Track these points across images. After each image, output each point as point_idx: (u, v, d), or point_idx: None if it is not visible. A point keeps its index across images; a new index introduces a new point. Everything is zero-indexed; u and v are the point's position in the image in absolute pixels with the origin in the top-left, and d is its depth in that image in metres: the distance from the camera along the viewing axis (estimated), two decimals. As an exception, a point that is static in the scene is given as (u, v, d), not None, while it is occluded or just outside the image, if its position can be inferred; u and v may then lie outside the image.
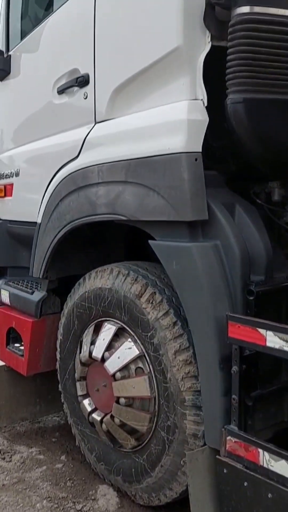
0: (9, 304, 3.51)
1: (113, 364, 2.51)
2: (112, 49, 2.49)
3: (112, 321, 2.56)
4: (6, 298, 3.52)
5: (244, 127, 2.10)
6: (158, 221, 2.28)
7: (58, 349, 3.00)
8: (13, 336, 3.50)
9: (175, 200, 2.16)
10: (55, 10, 2.94)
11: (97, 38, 2.55)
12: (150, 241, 2.33)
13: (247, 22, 2.01)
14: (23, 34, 3.28)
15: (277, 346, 1.87)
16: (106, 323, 2.59)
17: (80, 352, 2.77)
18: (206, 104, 2.15)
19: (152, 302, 2.33)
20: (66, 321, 2.88)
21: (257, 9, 2.03)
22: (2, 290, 3.59)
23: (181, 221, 2.19)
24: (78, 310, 2.76)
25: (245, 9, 2.02)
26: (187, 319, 2.20)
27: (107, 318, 2.59)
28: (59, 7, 2.87)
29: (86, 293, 2.69)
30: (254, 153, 2.18)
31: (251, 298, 2.10)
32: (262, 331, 1.92)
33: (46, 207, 2.97)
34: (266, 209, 2.36)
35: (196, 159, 2.14)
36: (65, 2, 2.80)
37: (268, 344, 1.90)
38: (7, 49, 3.36)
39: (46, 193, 2.98)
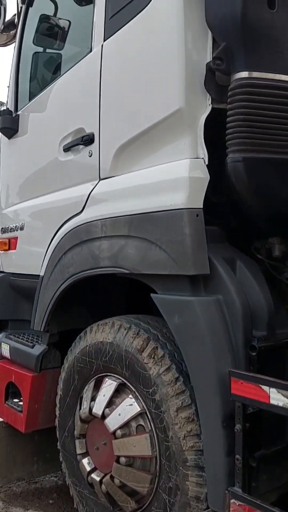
0: (9, 358, 3.48)
1: (113, 421, 2.45)
2: (116, 109, 2.60)
3: (113, 376, 2.53)
4: (6, 352, 3.49)
5: (244, 185, 2.16)
6: (160, 275, 2.30)
7: (58, 405, 2.94)
8: (12, 391, 3.44)
9: (177, 254, 2.19)
10: (63, 74, 3.08)
11: (102, 100, 2.66)
12: (152, 295, 2.33)
13: (245, 86, 2.11)
14: (32, 95, 3.42)
15: (281, 404, 1.84)
16: (107, 379, 2.55)
17: (80, 409, 2.71)
18: (207, 163, 2.22)
19: (153, 357, 2.31)
20: (66, 376, 2.84)
21: (255, 74, 2.13)
22: (2, 343, 3.56)
23: (183, 275, 2.20)
24: (78, 365, 2.73)
25: (244, 74, 2.13)
26: (189, 374, 2.17)
27: (108, 373, 2.56)
28: (67, 71, 3.02)
29: (87, 347, 2.67)
30: (254, 210, 2.23)
31: (254, 353, 2.07)
32: (265, 388, 1.89)
33: (49, 260, 3.00)
34: (267, 264, 2.38)
35: (197, 215, 2.18)
36: (73, 66, 2.94)
37: (272, 401, 1.86)
38: (16, 109, 3.50)
39: (50, 247, 3.02)
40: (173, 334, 2.24)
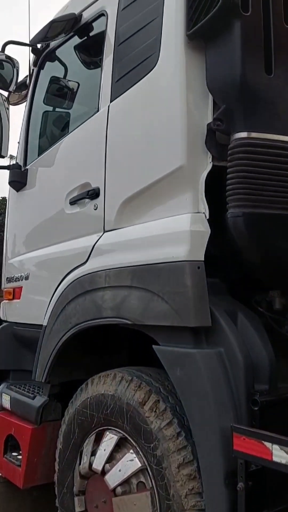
0: (9, 409, 3.43)
1: (113, 478, 2.40)
2: (121, 166, 2.70)
3: (114, 430, 2.49)
4: (7, 403, 3.45)
5: (244, 239, 2.22)
6: (162, 326, 2.31)
7: (57, 459, 2.88)
8: (11, 444, 3.38)
9: (179, 305, 2.21)
10: (71, 131, 3.22)
11: (108, 156, 2.77)
12: (154, 346, 2.34)
13: (245, 146, 2.21)
14: (40, 151, 3.56)
15: (283, 461, 1.81)
16: (107, 432, 2.52)
17: (80, 463, 2.66)
18: (208, 217, 2.28)
19: (155, 411, 2.29)
20: (67, 429, 2.80)
21: (254, 134, 2.24)
22: (3, 394, 3.53)
23: (185, 327, 2.22)
24: (79, 417, 2.70)
25: (243, 134, 2.24)
26: (191, 429, 2.14)
27: (109, 427, 2.52)
28: (75, 129, 3.15)
29: (88, 400, 2.64)
30: (254, 263, 2.28)
31: (256, 408, 2.06)
32: (268, 444, 1.86)
33: (53, 310, 3.02)
34: (267, 317, 2.40)
35: (198, 267, 2.23)
36: (80, 124, 3.08)
37: (275, 458, 1.83)
38: (25, 164, 3.63)
39: (53, 296, 3.05)
40: (175, 387, 2.23)
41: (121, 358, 3.14)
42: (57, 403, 3.12)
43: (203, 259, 2.24)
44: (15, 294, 3.65)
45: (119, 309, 2.51)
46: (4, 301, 3.84)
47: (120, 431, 2.45)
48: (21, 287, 3.57)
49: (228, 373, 2.13)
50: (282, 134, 2.26)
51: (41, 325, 3.12)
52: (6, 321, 3.81)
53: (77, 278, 2.85)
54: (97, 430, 2.60)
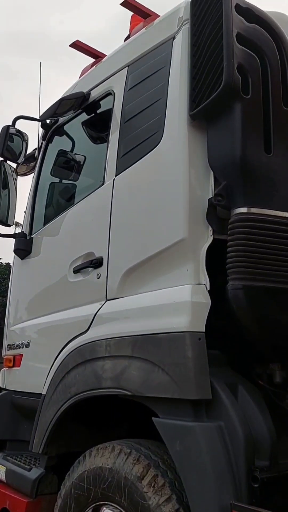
0: (4, 481, 3.32)
1: None
2: (125, 237, 2.78)
3: (111, 505, 2.41)
4: (2, 474, 3.35)
5: (244, 311, 2.26)
6: (162, 398, 2.30)
7: (52, 536, 2.76)
8: (5, 518, 3.24)
9: (180, 377, 2.21)
10: (76, 202, 3.34)
11: (112, 227, 2.86)
12: (154, 419, 2.31)
13: (244, 220, 2.30)
14: (46, 220, 3.66)
15: None
16: (104, 508, 2.43)
17: None
18: (208, 288, 2.33)
19: (154, 486, 2.22)
20: (63, 503, 2.70)
21: (253, 210, 2.33)
22: (-1, 465, 3.43)
23: (185, 399, 2.21)
24: (75, 491, 2.61)
25: (243, 209, 2.33)
26: (190, 506, 2.08)
27: (106, 502, 2.44)
28: (80, 200, 3.27)
29: (86, 473, 2.57)
30: (254, 335, 2.30)
31: (256, 485, 2.01)
32: (268, 524, 1.81)
33: (52, 378, 3.00)
34: (268, 390, 2.38)
35: (199, 338, 2.25)
36: (86, 196, 3.20)
37: (276, 540, 1.77)
38: (30, 232, 3.72)
39: (54, 365, 3.04)
40: (174, 461, 2.18)
41: (121, 429, 3.07)
42: (53, 476, 3.03)
43: (204, 330, 2.26)
44: (15, 361, 3.63)
45: (119, 379, 2.50)
46: (4, 368, 3.80)
47: (117, 506, 2.37)
48: (22, 354, 3.56)
49: (228, 448, 2.10)
50: (280, 210, 2.36)
51: (40, 394, 3.08)
52: (5, 389, 3.77)
53: (78, 347, 2.85)
54: (93, 505, 2.51)
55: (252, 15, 2.49)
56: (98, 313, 2.82)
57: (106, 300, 2.82)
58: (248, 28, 2.45)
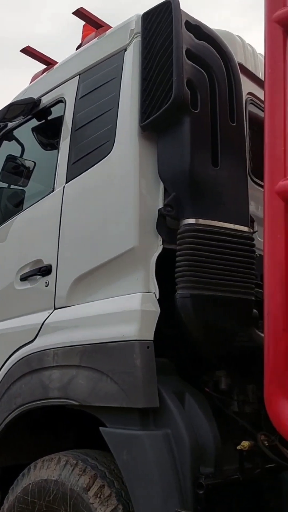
0: None
1: None
2: (74, 245, 2.76)
3: (56, 518, 2.37)
4: None
5: (191, 319, 2.30)
6: (110, 407, 2.29)
7: None
8: None
9: (128, 386, 2.22)
10: (25, 208, 3.29)
11: (61, 235, 2.83)
12: (101, 428, 2.31)
13: (192, 231, 2.35)
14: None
15: None
16: (49, 521, 2.39)
17: None
18: (158, 297, 2.36)
19: (100, 497, 2.21)
20: (6, 518, 2.63)
21: (201, 221, 2.39)
22: None
23: (132, 408, 2.21)
24: (19, 505, 2.55)
25: (191, 220, 2.39)
26: (136, 516, 2.08)
27: (51, 515, 2.40)
28: (29, 206, 3.22)
29: (30, 486, 2.52)
30: (201, 343, 2.35)
31: (201, 492, 2.04)
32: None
33: None
34: (214, 397, 2.43)
35: (148, 347, 2.26)
36: (35, 202, 3.16)
37: None
38: (-23, 238, 3.63)
39: None
40: (121, 471, 2.18)
41: (68, 441, 3.03)
42: (-4, 491, 2.94)
43: (152, 338, 2.28)
44: None
45: (66, 389, 2.48)
46: None
47: (62, 519, 2.34)
48: None
49: (175, 455, 2.12)
50: (226, 221, 2.43)
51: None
52: None
53: (24, 356, 2.80)
54: (38, 519, 2.46)
55: (201, 32, 2.56)
56: (45, 322, 2.79)
57: (55, 308, 2.79)
58: (197, 45, 2.52)
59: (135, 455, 2.13)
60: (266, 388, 1.78)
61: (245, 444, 2.19)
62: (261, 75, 2.88)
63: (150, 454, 2.10)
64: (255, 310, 2.44)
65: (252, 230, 2.54)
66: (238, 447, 2.21)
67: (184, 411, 2.25)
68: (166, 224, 2.46)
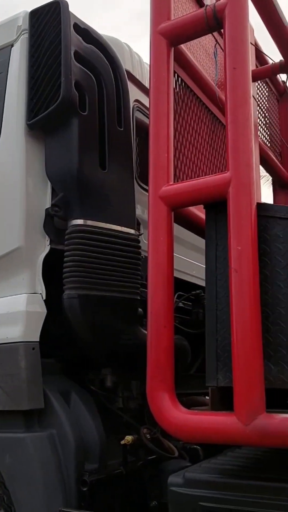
0: None
1: None
2: None
3: None
4: None
5: (78, 319, 2.32)
6: None
7: None
8: None
9: (11, 388, 2.18)
10: None
11: None
12: (-17, 434, 2.24)
13: (80, 232, 2.37)
14: None
15: None
16: None
17: None
18: (44, 298, 2.35)
19: (-19, 503, 2.15)
20: None
21: (89, 222, 2.42)
22: None
23: (17, 411, 2.18)
24: None
25: (79, 221, 2.41)
26: (19, 519, 2.06)
27: None
28: None
29: None
30: (87, 342, 2.38)
31: (85, 489, 2.07)
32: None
33: None
34: (100, 395, 2.48)
35: (33, 348, 2.25)
36: None
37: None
38: None
39: None
40: (3, 475, 2.14)
41: None
42: None
43: (38, 340, 2.27)
44: None
45: None
46: None
47: None
48: None
49: (59, 455, 2.13)
50: (113, 223, 2.48)
51: None
52: None
53: None
54: None
55: (89, 36, 2.60)
56: None
57: None
58: (86, 48, 2.55)
59: (19, 458, 2.10)
60: (148, 383, 1.84)
61: (128, 438, 2.26)
62: (147, 84, 2.98)
63: (33, 456, 2.09)
64: (140, 309, 2.52)
65: (138, 233, 2.62)
66: (122, 442, 2.28)
67: (70, 410, 2.27)
68: (53, 224, 2.46)
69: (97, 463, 2.18)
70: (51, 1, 2.53)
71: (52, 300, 2.36)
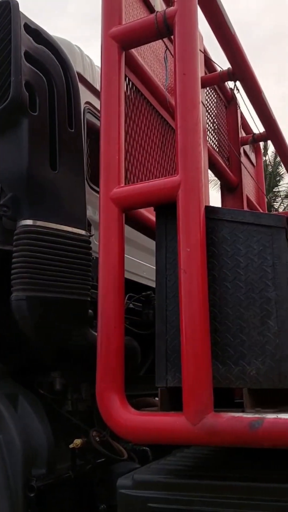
0: None
1: None
2: None
3: None
4: None
5: (27, 321, 2.28)
6: None
7: None
8: None
9: None
10: None
11: None
12: None
13: (29, 232, 2.33)
14: None
15: None
16: None
17: None
18: None
19: None
20: None
21: (39, 222, 2.39)
22: None
23: None
24: None
25: (28, 222, 2.37)
26: None
27: None
28: None
29: None
30: (37, 344, 2.34)
31: (32, 494, 2.04)
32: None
33: None
34: (48, 398, 2.44)
35: None
36: None
37: None
38: None
39: None
40: None
41: None
42: None
43: None
44: None
45: None
46: None
47: None
48: None
49: (5, 461, 2.09)
50: (64, 224, 2.47)
51: None
52: None
53: None
54: None
55: (40, 37, 2.57)
56: None
57: None
58: (37, 48, 2.52)
59: None
60: (98, 385, 1.84)
61: (77, 442, 2.25)
62: (98, 87, 2.99)
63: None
64: (90, 311, 2.51)
65: (89, 234, 2.61)
66: (71, 446, 2.25)
67: (17, 414, 2.23)
68: (2, 224, 2.41)
69: (45, 468, 2.14)
70: (1, 1, 2.49)
71: (0, 302, 2.31)
